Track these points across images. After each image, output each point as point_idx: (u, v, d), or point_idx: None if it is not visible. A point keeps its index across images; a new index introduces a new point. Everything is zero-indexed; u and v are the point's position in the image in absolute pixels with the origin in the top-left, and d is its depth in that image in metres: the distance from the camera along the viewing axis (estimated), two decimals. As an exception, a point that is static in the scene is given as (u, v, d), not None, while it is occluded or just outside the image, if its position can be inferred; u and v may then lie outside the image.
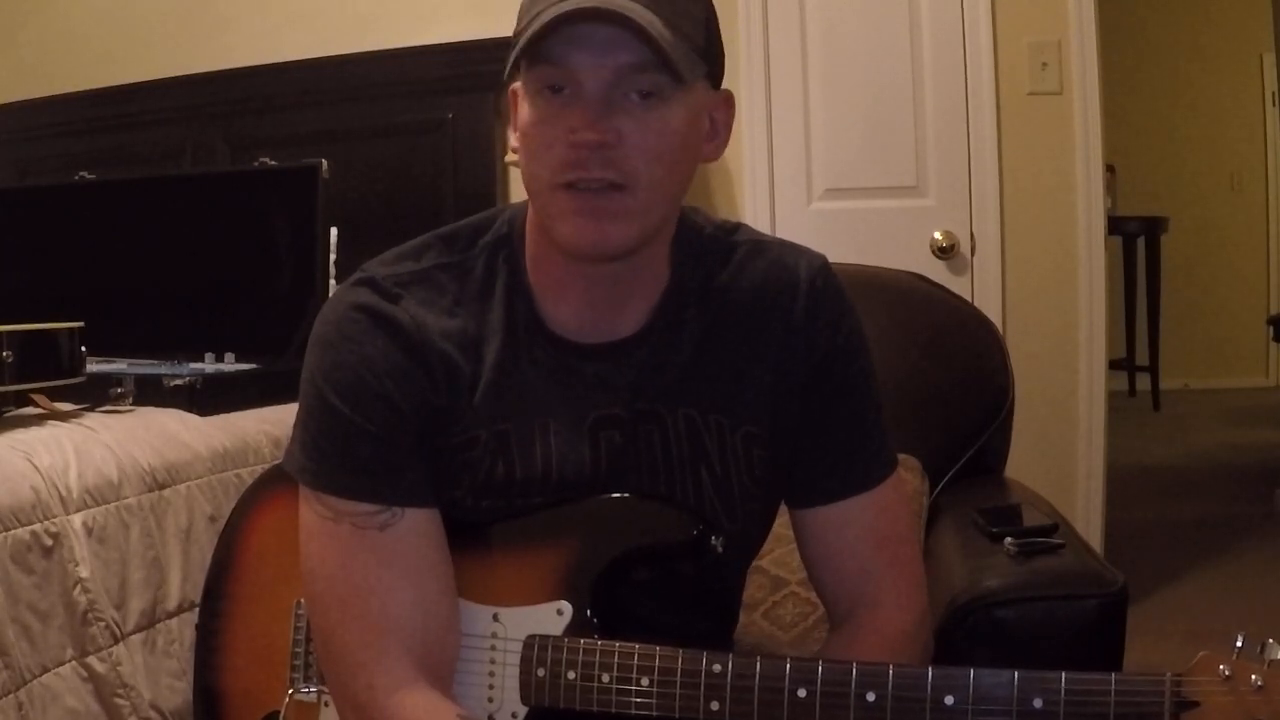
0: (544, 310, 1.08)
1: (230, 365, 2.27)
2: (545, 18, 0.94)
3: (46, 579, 1.47)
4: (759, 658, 0.97)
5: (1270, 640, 0.87)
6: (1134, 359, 6.26)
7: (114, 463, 1.63)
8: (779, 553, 1.55)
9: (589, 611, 1.04)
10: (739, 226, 1.16)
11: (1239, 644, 0.87)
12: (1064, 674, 0.90)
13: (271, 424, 1.98)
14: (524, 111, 1.01)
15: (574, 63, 0.96)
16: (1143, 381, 6.43)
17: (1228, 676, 0.86)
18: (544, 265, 1.08)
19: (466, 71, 3.04)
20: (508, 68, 1.00)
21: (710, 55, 1.02)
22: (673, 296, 1.10)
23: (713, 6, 1.04)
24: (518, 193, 3.03)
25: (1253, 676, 0.86)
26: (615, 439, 1.08)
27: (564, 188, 0.98)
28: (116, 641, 1.55)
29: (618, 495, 1.07)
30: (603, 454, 1.08)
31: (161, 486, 1.70)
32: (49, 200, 2.87)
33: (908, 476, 1.60)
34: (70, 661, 1.49)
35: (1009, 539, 1.36)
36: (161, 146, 3.31)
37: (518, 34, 0.99)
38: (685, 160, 1.02)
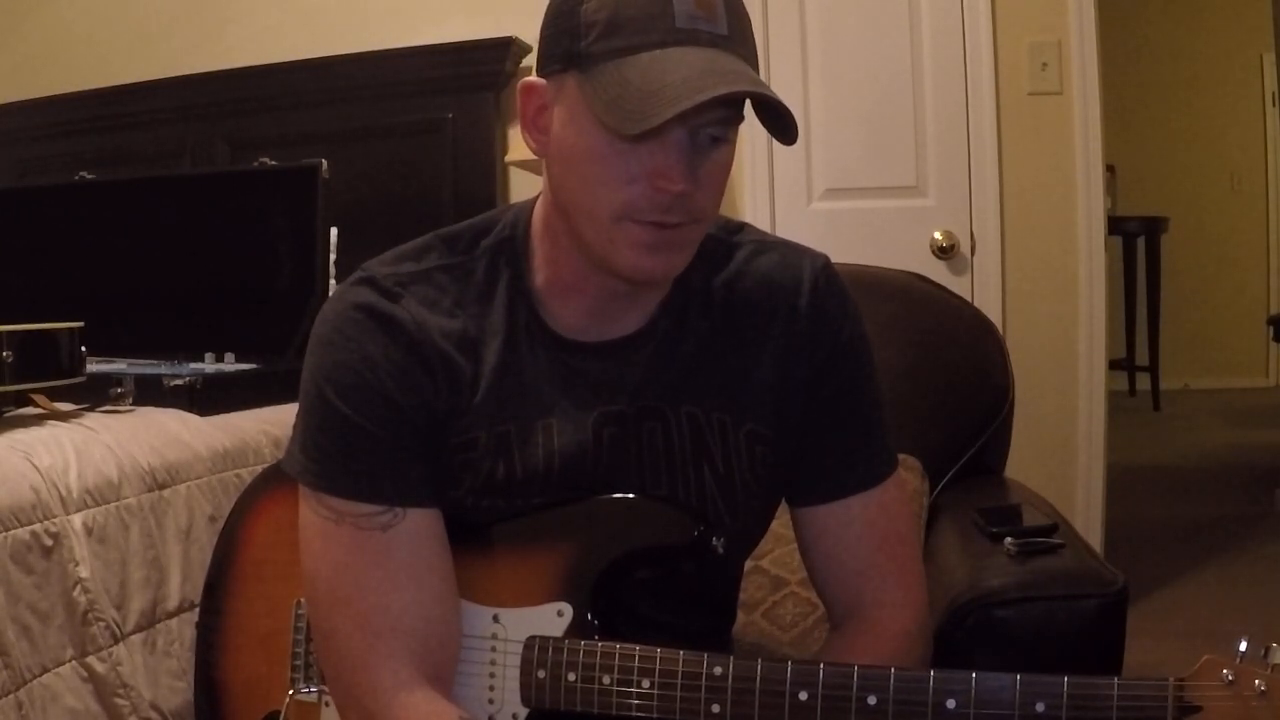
0: (547, 311, 1.08)
1: (230, 365, 2.27)
2: (680, 101, 0.88)
3: (46, 579, 1.46)
4: (760, 660, 0.97)
5: (1274, 644, 0.86)
6: (1134, 359, 6.27)
7: (114, 463, 1.63)
8: (779, 553, 1.55)
9: (589, 613, 1.04)
10: (743, 226, 1.16)
11: (1242, 648, 0.87)
12: (1066, 678, 0.90)
13: (271, 424, 1.98)
14: (585, 136, 0.96)
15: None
16: (1143, 381, 6.43)
17: (1231, 681, 0.86)
18: (555, 269, 1.07)
19: (466, 71, 3.04)
20: (550, 61, 0.97)
21: None
22: (677, 295, 1.10)
23: None
24: (518, 192, 3.04)
25: (1256, 681, 0.85)
26: (618, 435, 1.08)
27: (634, 220, 0.97)
28: (116, 641, 1.55)
29: (618, 496, 1.06)
30: (605, 450, 1.07)
31: (161, 486, 1.70)
32: (49, 200, 2.87)
33: (908, 476, 1.59)
34: (70, 661, 1.48)
35: (1009, 539, 1.36)
36: (161, 146, 3.31)
37: (581, 51, 0.94)
38: None
